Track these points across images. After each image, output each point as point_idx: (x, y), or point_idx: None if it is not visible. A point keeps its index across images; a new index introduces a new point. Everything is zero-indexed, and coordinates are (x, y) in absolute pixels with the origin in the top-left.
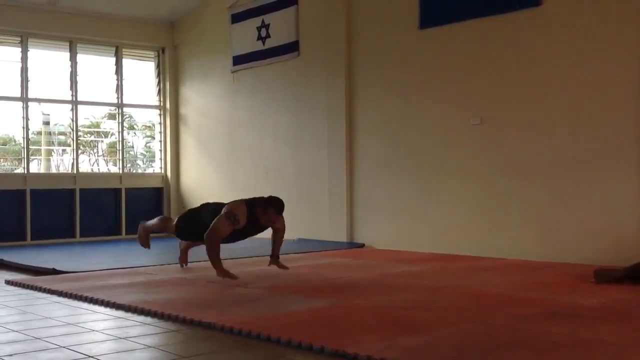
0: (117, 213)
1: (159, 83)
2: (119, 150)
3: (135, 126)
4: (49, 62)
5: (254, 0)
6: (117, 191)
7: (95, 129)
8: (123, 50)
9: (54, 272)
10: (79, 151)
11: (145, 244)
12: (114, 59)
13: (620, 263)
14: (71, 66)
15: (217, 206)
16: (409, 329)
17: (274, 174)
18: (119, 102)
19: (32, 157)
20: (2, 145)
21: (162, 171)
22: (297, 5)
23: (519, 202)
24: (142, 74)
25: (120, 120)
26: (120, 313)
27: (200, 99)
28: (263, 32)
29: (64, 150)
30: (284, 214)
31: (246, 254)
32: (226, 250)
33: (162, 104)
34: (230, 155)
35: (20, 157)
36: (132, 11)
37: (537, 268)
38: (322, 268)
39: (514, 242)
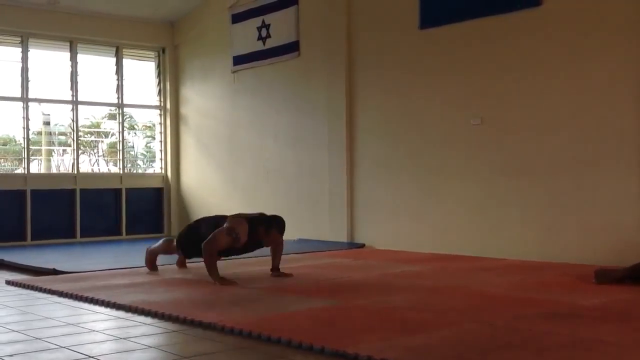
0: (117, 213)
1: (159, 83)
2: (120, 150)
3: (135, 126)
4: (49, 62)
5: (254, 1)
6: (117, 191)
7: (96, 129)
8: (123, 50)
9: (55, 272)
10: (80, 151)
11: (153, 268)
12: (114, 59)
13: (620, 263)
14: (71, 66)
15: (217, 219)
16: (410, 329)
17: (274, 174)
18: (120, 102)
19: (32, 158)
20: (3, 145)
21: (163, 171)
22: (298, 5)
23: (519, 202)
24: (142, 74)
25: (120, 121)
26: (121, 313)
27: (201, 99)
28: (263, 32)
29: (64, 151)
30: (284, 216)
31: (246, 253)
32: None
33: (162, 104)
34: (231, 155)
35: (20, 157)
36: (132, 11)
37: (537, 268)
38: (322, 268)
39: (514, 242)
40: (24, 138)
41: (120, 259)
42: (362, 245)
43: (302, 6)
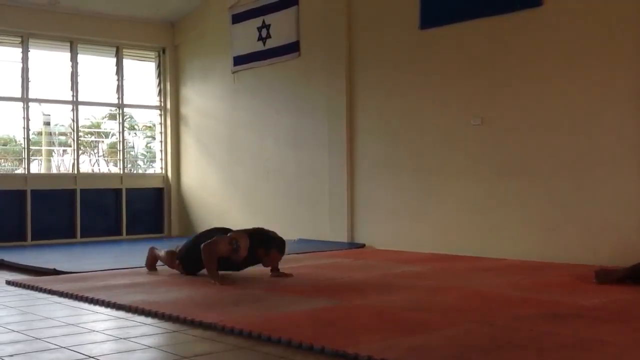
0: (117, 213)
1: (159, 83)
2: (120, 150)
3: (135, 126)
4: (49, 63)
5: (254, 1)
6: (117, 191)
7: (96, 130)
8: (124, 50)
9: (55, 272)
10: (80, 151)
11: (152, 269)
12: (114, 60)
13: (621, 263)
14: (72, 66)
15: (217, 231)
16: (410, 329)
17: (274, 174)
18: (120, 102)
19: (32, 158)
20: (3, 145)
21: (163, 171)
22: (298, 5)
23: (519, 203)
24: (142, 75)
25: (120, 121)
26: (121, 313)
27: (201, 99)
28: (264, 33)
29: (64, 151)
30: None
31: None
32: None
33: (162, 105)
34: (231, 156)
35: (20, 157)
36: (132, 11)
37: (537, 268)
38: (323, 268)
39: (515, 242)
40: (24, 138)
41: (120, 259)
42: (363, 246)
43: (302, 6)
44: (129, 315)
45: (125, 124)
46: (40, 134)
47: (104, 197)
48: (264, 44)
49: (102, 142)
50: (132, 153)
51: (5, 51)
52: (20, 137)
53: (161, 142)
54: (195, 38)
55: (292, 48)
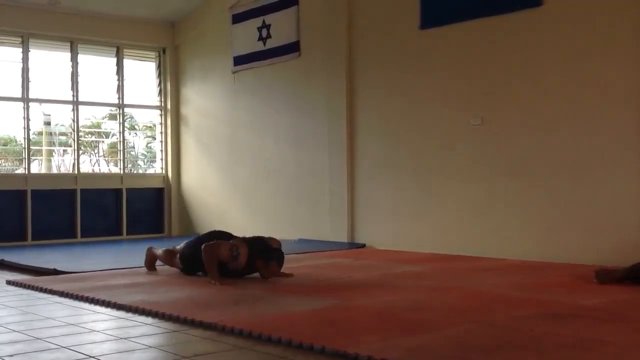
0: (118, 213)
1: (159, 83)
2: (120, 150)
3: (136, 126)
4: (49, 63)
5: (254, 1)
6: (118, 191)
7: (96, 130)
8: (124, 50)
9: (55, 272)
10: (80, 151)
11: (151, 269)
12: (114, 60)
13: (621, 263)
14: (72, 66)
15: (219, 234)
16: (410, 329)
17: (274, 174)
18: (120, 102)
19: (33, 158)
20: (3, 145)
21: (163, 171)
22: (298, 5)
23: (519, 203)
24: (143, 75)
25: (121, 121)
26: (121, 313)
27: (201, 99)
28: (264, 33)
29: (64, 151)
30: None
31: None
32: None
33: (162, 105)
34: (231, 156)
35: (21, 157)
36: (133, 11)
37: (537, 268)
38: (323, 268)
39: (515, 242)
40: (24, 138)
41: (120, 259)
42: (363, 246)
43: (303, 6)
44: (129, 315)
45: (126, 124)
46: (40, 134)
47: (104, 197)
48: (264, 44)
49: (103, 142)
50: (133, 153)
51: (5, 51)
52: (20, 137)
53: (161, 142)
54: (195, 38)
55: (292, 48)
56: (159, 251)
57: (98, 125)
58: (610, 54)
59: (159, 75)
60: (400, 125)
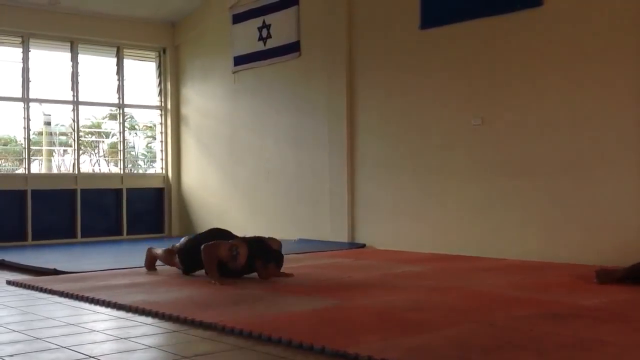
0: (118, 213)
1: (160, 83)
2: (120, 150)
3: (136, 126)
4: (50, 63)
5: (255, 1)
6: (118, 191)
7: (97, 130)
8: (124, 50)
9: (55, 272)
10: (80, 151)
11: (151, 269)
12: (115, 60)
13: (621, 263)
14: (72, 66)
15: (218, 232)
16: (410, 329)
17: (274, 174)
18: (120, 102)
19: (33, 158)
20: (4, 145)
21: (163, 171)
22: (298, 5)
23: (520, 202)
24: (143, 75)
25: (121, 121)
26: (121, 313)
27: (201, 99)
28: (264, 33)
29: (65, 151)
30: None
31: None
32: None
33: (163, 105)
34: (231, 156)
35: (21, 157)
36: (133, 11)
37: (538, 268)
38: (323, 268)
39: (515, 242)
40: (24, 138)
41: (120, 259)
42: (363, 246)
43: (303, 6)
44: (129, 315)
45: (126, 124)
46: (40, 134)
47: (105, 197)
48: (265, 44)
49: (103, 142)
50: (133, 153)
51: (5, 51)
52: (20, 137)
53: (161, 142)
54: (195, 38)
55: (292, 48)
56: (159, 251)
57: (98, 125)
58: (610, 54)
59: (159, 75)
60: (400, 125)
